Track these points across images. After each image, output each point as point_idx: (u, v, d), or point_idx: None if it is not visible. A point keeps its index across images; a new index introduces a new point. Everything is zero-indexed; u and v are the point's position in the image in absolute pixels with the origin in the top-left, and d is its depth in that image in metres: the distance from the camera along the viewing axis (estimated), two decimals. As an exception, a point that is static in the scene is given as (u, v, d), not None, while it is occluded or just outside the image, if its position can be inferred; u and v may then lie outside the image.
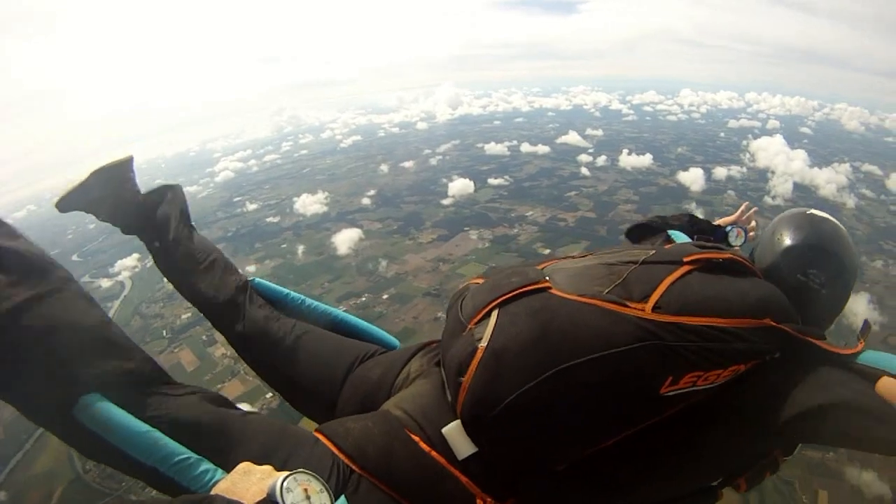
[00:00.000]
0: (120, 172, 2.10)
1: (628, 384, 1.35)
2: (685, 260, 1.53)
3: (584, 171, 77.55)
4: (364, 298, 39.11)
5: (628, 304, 1.41)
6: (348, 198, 66.87)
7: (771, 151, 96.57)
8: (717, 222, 2.39)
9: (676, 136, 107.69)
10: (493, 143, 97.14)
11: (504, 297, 1.46)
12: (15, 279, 1.34)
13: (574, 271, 1.58)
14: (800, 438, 1.47)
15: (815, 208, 1.89)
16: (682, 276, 1.49)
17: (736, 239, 2.34)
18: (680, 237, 2.18)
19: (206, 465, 1.26)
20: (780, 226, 1.82)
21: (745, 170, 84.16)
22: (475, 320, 1.46)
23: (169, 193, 2.16)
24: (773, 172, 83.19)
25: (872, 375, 1.31)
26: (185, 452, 1.27)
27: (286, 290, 2.11)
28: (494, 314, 1.44)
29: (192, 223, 2.17)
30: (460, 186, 67.39)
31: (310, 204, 62.63)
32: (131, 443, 1.28)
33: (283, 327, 1.94)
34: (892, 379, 1.24)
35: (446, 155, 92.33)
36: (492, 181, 72.03)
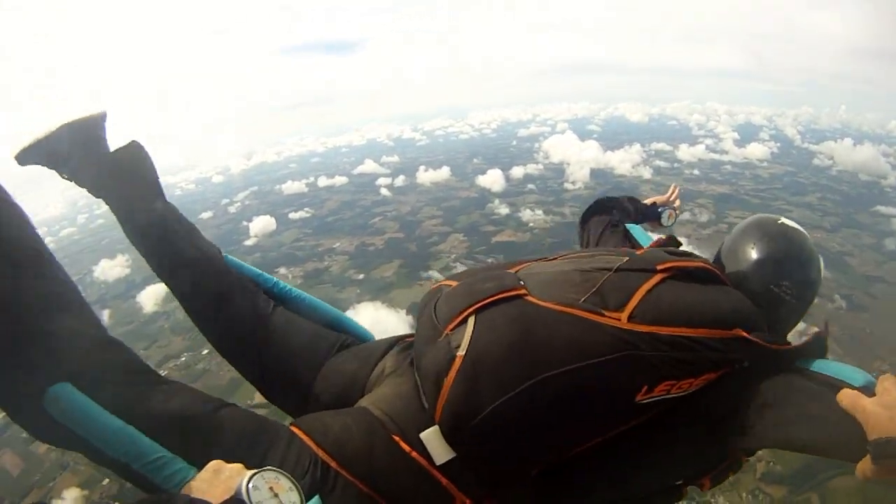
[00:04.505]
0: (91, 128, 1.86)
1: (606, 393, 1.37)
2: (658, 268, 1.52)
3: (385, 192, 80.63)
4: (184, 359, 35.52)
5: (605, 312, 1.41)
6: (151, 259, 60.91)
7: (562, 147, 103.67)
8: (648, 201, 2.59)
9: (470, 153, 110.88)
10: (290, 182, 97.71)
11: (481, 304, 1.43)
12: None
13: (549, 277, 1.57)
14: (762, 443, 1.43)
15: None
16: (656, 284, 1.49)
17: (668, 220, 2.54)
18: (638, 232, 2.28)
19: (179, 465, 1.20)
20: (751, 234, 1.79)
21: (541, 166, 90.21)
22: (451, 326, 1.43)
23: (140, 151, 1.88)
24: (568, 164, 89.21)
25: (833, 386, 1.28)
26: (158, 451, 1.20)
27: (259, 271, 1.96)
28: (471, 321, 1.41)
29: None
30: (262, 225, 66.77)
31: (110, 269, 55.48)
32: (104, 440, 1.20)
33: (263, 306, 1.81)
34: (850, 391, 1.21)
35: (245, 201, 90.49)
36: (293, 216, 71.94)
